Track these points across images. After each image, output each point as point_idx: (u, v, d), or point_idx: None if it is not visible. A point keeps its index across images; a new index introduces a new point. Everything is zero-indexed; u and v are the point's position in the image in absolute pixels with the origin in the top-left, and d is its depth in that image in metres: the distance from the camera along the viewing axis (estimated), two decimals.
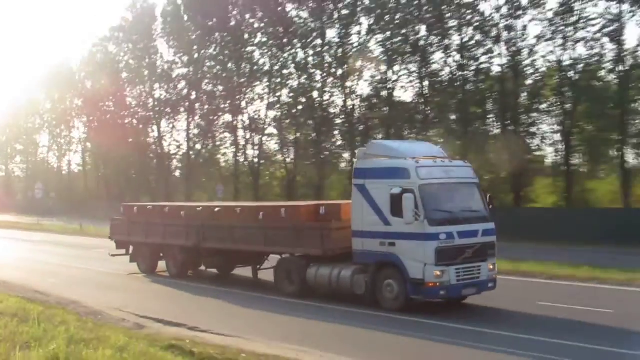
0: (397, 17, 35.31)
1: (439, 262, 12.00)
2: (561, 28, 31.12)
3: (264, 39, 42.97)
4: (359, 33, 38.01)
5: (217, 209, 16.94)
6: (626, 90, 30.12)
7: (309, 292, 14.20)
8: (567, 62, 31.39)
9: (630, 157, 31.13)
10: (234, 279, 17.60)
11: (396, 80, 36.61)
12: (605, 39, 30.45)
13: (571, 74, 31.45)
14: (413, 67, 35.71)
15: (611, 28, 30.10)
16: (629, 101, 30.41)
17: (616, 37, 30.15)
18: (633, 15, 30.08)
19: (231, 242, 15.92)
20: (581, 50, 31.37)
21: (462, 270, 12.23)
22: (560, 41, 31.22)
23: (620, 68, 30.45)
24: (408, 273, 12.39)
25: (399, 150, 13.66)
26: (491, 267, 12.79)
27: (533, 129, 32.88)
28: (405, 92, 36.95)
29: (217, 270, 18.08)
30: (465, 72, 34.01)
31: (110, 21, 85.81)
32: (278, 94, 43.16)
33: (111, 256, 19.13)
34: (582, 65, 31.19)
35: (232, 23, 44.74)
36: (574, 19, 30.87)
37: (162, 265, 18.30)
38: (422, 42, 34.94)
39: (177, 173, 53.91)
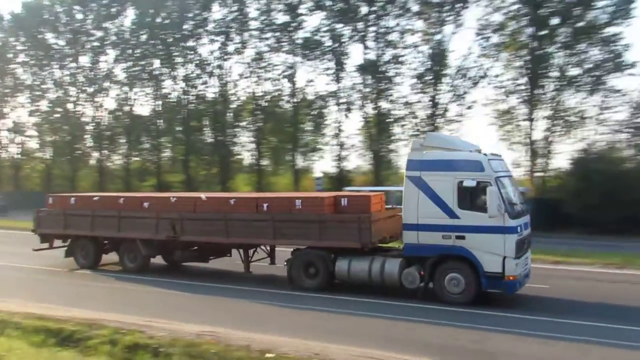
0: (137, 51, 45.87)
1: (517, 255, 12.13)
2: (255, 70, 43.78)
3: (26, 59, 50.94)
4: (106, 61, 48.06)
5: (204, 198, 15.85)
6: (297, 115, 43.45)
7: (329, 286, 13.93)
8: (259, 94, 42.89)
9: (299, 161, 44.48)
10: (207, 272, 17.01)
11: (136, 99, 47.30)
12: (284, 80, 43.86)
13: (261, 102, 43.25)
14: (149, 90, 46.61)
15: (288, 72, 43.17)
16: (298, 123, 43.59)
17: (291, 78, 43.81)
18: (302, 63, 44.14)
19: (223, 235, 14.96)
20: (269, 85, 42.95)
21: (522, 262, 12.54)
22: (254, 78, 43.39)
23: (294, 100, 44.00)
24: (482, 267, 12.27)
25: (457, 142, 13.68)
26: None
27: (236, 139, 44.15)
28: (142, 108, 47.96)
29: (179, 263, 17.48)
30: (188, 96, 45.27)
31: None
32: (38, 104, 51.26)
33: (34, 251, 18.06)
34: (269, 97, 43.25)
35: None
36: (264, 64, 43.68)
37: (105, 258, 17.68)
38: (156, 72, 45.88)
39: None
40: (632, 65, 33.24)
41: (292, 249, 14.93)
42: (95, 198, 17.83)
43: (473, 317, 11.63)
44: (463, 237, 12.49)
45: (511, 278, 12.18)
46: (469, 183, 12.49)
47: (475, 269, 12.44)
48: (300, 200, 14.43)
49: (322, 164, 44.85)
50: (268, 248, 16.15)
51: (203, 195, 16.24)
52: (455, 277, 12.70)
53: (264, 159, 44.71)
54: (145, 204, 16.68)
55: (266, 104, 43.67)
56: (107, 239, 17.52)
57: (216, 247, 16.40)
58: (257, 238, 15.01)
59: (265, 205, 14.82)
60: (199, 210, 15.71)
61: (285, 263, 14.72)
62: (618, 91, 33.74)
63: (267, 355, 8.32)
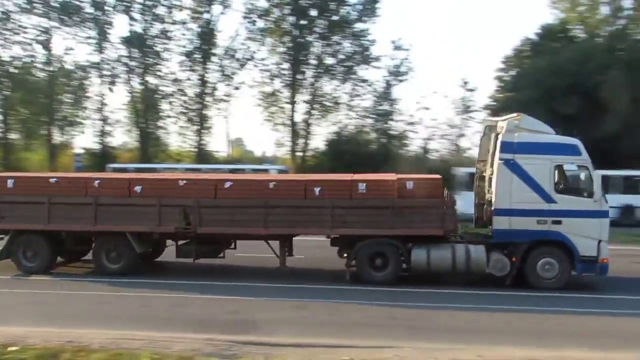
0: None
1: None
2: (1, 31, 39.46)
3: None
4: None
5: (227, 185, 13.16)
6: (53, 86, 40.28)
7: (400, 278, 12.69)
8: (6, 59, 38.95)
9: (56, 135, 41.80)
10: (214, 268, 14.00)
11: None
12: (38, 45, 40.31)
13: (9, 68, 39.34)
14: None
15: (42, 37, 39.90)
16: (55, 94, 40.59)
17: (46, 44, 40.17)
18: (59, 29, 40.74)
19: (261, 225, 12.72)
20: (18, 50, 39.18)
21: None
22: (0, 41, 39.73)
23: (50, 69, 40.66)
24: (578, 251, 12.18)
25: (546, 126, 13.04)
26: None
27: None
28: None
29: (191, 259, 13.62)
30: None
31: None
32: None
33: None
34: (18, 62, 39.50)
35: None
36: (12, 25, 39.61)
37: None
38: None
39: None
40: (377, 58, 38.08)
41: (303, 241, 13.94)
42: (53, 180, 13.74)
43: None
44: (560, 222, 12.27)
45: (605, 261, 12.18)
46: (569, 167, 12.57)
47: (571, 253, 12.32)
48: (364, 184, 12.82)
49: (83, 140, 42.50)
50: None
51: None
52: (549, 262, 12.42)
53: (12, 132, 40.55)
54: (137, 188, 13.25)
55: (15, 70, 39.72)
56: (73, 234, 13.89)
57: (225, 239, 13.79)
58: (307, 228, 13.08)
59: (317, 189, 12.85)
60: (222, 195, 13.08)
61: (346, 255, 13.00)
62: (365, 81, 38.39)
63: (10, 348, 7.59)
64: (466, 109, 35.92)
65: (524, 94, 31.66)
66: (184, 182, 13.37)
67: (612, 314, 10.48)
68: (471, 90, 36.24)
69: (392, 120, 36.86)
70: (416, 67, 62.66)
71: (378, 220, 12.62)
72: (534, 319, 10.07)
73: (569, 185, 12.92)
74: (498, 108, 34.40)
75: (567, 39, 35.59)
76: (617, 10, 37.98)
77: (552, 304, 11.04)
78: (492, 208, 12.61)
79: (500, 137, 12.66)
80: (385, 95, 37.76)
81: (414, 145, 37.86)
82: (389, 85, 37.84)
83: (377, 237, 12.70)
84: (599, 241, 12.17)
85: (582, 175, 12.61)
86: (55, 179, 13.66)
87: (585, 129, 29.67)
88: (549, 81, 30.65)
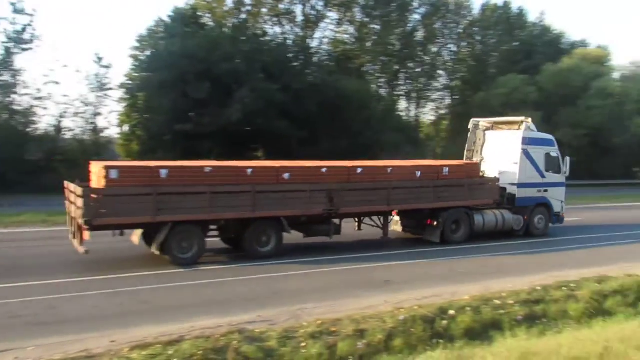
0: None
1: None
2: None
3: None
4: None
5: (359, 170, 15.51)
6: None
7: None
8: None
9: None
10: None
11: None
12: None
13: None
14: None
15: None
16: None
17: None
18: None
19: (385, 203, 15.76)
20: None
21: None
22: None
23: None
24: (553, 209, 19.02)
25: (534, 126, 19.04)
26: None
27: None
28: None
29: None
30: None
31: None
32: None
33: (86, 253, 12.37)
34: None
35: None
36: None
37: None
38: None
39: None
40: None
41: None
42: (207, 169, 13.51)
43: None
44: (547, 190, 18.98)
45: (563, 215, 19.50)
46: (554, 153, 19.07)
47: (550, 210, 19.12)
48: (447, 168, 16.94)
49: None
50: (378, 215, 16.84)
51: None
52: (541, 217, 19.00)
53: None
54: (285, 175, 14.42)
55: None
56: (226, 222, 13.96)
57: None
58: (417, 203, 16.39)
59: (418, 172, 16.47)
60: (353, 180, 15.44)
61: (436, 223, 16.81)
62: None
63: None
64: (102, 87, 34.61)
65: (159, 75, 32.29)
66: (325, 169, 15.08)
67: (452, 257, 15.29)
68: (106, 67, 34.90)
69: (15, 93, 33.14)
70: (43, 35, 57.12)
71: (457, 195, 16.98)
72: (181, 293, 10.70)
73: (552, 165, 19.08)
74: (135, 88, 34.37)
75: (198, 25, 37.48)
76: (239, 4, 41.84)
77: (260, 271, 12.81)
78: (516, 182, 18.40)
79: (521, 134, 18.50)
80: (5, 65, 33.63)
81: (45, 122, 34.96)
82: (9, 53, 33.79)
83: (457, 207, 17.05)
84: (561, 202, 19.36)
85: (556, 159, 19.16)
86: (210, 168, 13.63)
87: (216, 114, 32.23)
88: (182, 65, 31.86)
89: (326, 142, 36.78)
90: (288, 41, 41.71)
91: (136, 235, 13.78)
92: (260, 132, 35.23)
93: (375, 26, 47.53)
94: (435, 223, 16.87)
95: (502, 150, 18.85)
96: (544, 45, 53.30)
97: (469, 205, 17.32)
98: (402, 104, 51.32)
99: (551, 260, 14.91)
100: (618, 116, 43.00)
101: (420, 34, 50.74)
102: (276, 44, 39.48)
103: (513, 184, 18.48)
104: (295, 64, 39.30)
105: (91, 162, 14.03)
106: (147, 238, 13.54)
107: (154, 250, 13.09)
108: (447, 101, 54.10)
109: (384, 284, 11.59)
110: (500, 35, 53.58)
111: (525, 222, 18.65)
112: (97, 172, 12.76)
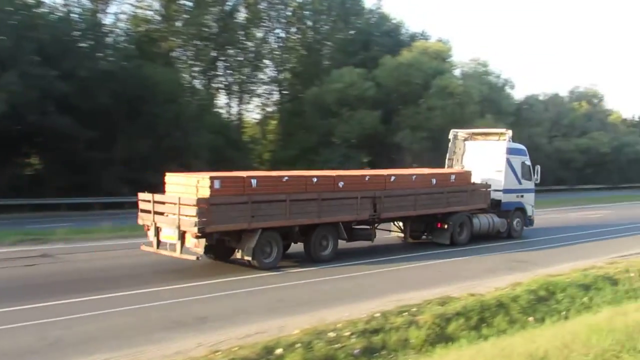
0: None
1: None
2: None
3: None
4: None
5: (392, 179, 19.62)
6: None
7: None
8: None
9: None
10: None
11: None
12: None
13: None
14: None
15: None
16: None
17: None
18: None
19: (412, 208, 19.89)
20: None
21: None
22: None
23: None
24: (527, 212, 24.38)
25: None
26: None
27: None
28: None
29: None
30: None
31: None
32: None
33: (198, 259, 16.00)
34: None
35: None
36: None
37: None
38: None
39: None
40: None
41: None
42: (285, 178, 17.18)
43: None
44: (523, 196, 24.01)
45: (533, 218, 24.62)
46: (527, 162, 24.19)
47: (525, 214, 24.13)
48: (454, 175, 21.75)
49: None
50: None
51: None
52: (518, 220, 23.88)
53: None
54: (340, 184, 17.89)
55: None
56: (300, 227, 17.39)
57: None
58: (435, 208, 20.70)
59: (434, 180, 20.82)
60: (389, 187, 19.29)
61: (447, 226, 21.11)
62: None
63: None
64: None
65: None
66: (368, 177, 19.21)
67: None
68: None
69: None
70: None
71: (461, 200, 21.31)
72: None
73: (526, 173, 24.04)
74: None
75: None
76: None
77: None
78: (502, 189, 23.10)
79: (505, 144, 23.45)
80: None
81: None
82: None
83: (462, 212, 21.44)
84: (532, 206, 24.46)
85: (528, 167, 24.12)
86: (286, 177, 17.09)
87: None
88: None
89: (124, 144, 34.67)
90: (73, 15, 38.63)
91: (198, 246, 15.76)
92: (35, 131, 32.35)
93: (187, 2, 46.05)
94: (446, 226, 21.25)
95: (484, 159, 23.79)
96: (383, 36, 55.46)
97: (470, 209, 21.93)
98: (221, 99, 50.36)
99: (401, 281, 15.52)
100: (460, 118, 45.48)
101: (242, 15, 50.09)
102: (56, 18, 36.66)
103: (498, 190, 23.34)
104: (83, 44, 37.01)
105: (166, 172, 16.84)
106: (215, 248, 16.50)
107: (243, 256, 16.00)
108: (275, 97, 54.13)
109: (199, 322, 11.32)
110: (334, 22, 54.79)
111: (508, 225, 23.59)
112: (197, 183, 15.41)
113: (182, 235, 15.24)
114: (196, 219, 14.74)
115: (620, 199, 50.15)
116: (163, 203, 15.87)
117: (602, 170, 70.49)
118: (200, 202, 14.84)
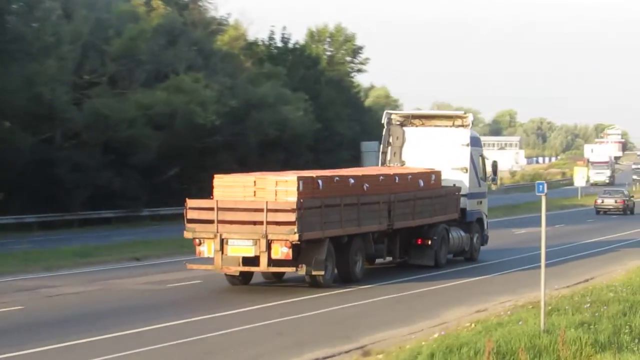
0: None
1: None
2: None
3: None
4: None
5: (410, 177, 17.12)
6: None
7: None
8: None
9: None
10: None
11: None
12: None
13: None
14: None
15: None
16: None
17: None
18: None
19: (412, 217, 17.10)
20: None
21: None
22: None
23: None
24: (484, 226, 20.30)
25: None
26: None
27: None
28: None
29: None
30: None
31: None
32: None
33: (297, 269, 14.38)
34: None
35: None
36: None
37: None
38: None
39: None
40: None
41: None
42: (352, 180, 15.82)
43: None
44: (481, 202, 18.83)
45: (487, 234, 20.39)
46: (484, 156, 18.31)
47: (483, 227, 19.26)
48: (434, 175, 18.14)
49: None
50: None
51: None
52: (478, 236, 18.84)
53: None
54: (365, 186, 15.83)
55: None
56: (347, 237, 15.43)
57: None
58: (421, 218, 17.68)
59: (421, 182, 17.69)
60: (405, 189, 16.92)
61: (430, 242, 17.32)
62: None
63: None
64: None
65: None
66: (382, 177, 16.81)
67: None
68: None
69: None
70: None
71: (441, 207, 18.04)
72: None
73: (483, 171, 19.79)
74: None
75: None
76: None
77: None
78: (467, 193, 18.74)
79: (467, 132, 18.79)
80: None
81: None
82: None
83: (440, 223, 18.33)
84: (486, 216, 20.80)
85: (482, 163, 19.58)
86: (352, 180, 15.40)
87: None
88: None
89: None
90: None
91: (288, 257, 14.10)
92: None
93: None
94: (429, 242, 17.07)
95: (435, 153, 18.33)
96: None
97: (447, 219, 17.73)
98: None
99: None
100: None
101: None
102: None
103: (462, 195, 18.03)
104: None
105: (215, 175, 15.18)
106: (252, 262, 14.50)
107: (309, 272, 14.21)
108: None
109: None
110: None
111: (470, 242, 18.35)
112: (275, 185, 14.20)
113: (268, 246, 13.58)
114: (295, 226, 13.21)
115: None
116: (238, 210, 13.98)
117: None
118: (299, 205, 13.36)
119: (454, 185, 18.37)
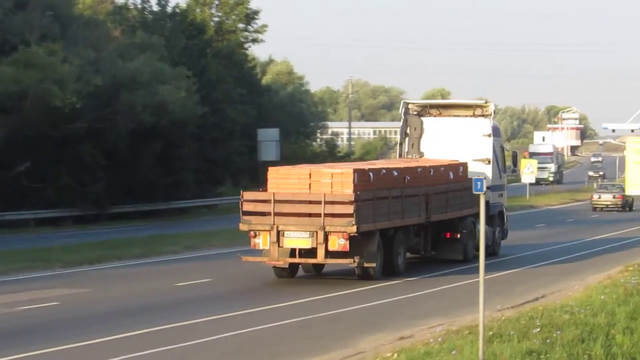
0: None
1: None
2: None
3: None
4: None
5: (443, 169, 17.52)
6: None
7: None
8: None
9: None
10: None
11: None
12: None
13: None
14: None
15: None
16: None
17: None
18: None
19: (445, 210, 17.40)
20: None
21: None
22: None
23: None
24: (505, 219, 20.54)
25: None
26: None
27: None
28: None
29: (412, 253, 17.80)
30: None
31: None
32: None
33: (354, 261, 15.19)
34: None
35: None
36: None
37: None
38: None
39: None
40: None
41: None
42: (396, 172, 16.36)
43: None
44: (502, 195, 19.17)
45: (508, 228, 20.83)
46: (505, 147, 18.67)
47: (503, 221, 19.25)
48: (462, 167, 18.94)
49: None
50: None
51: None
52: (499, 230, 18.93)
53: None
54: (407, 178, 16.38)
55: None
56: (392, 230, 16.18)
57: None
58: (452, 211, 18.16)
59: (451, 174, 18.33)
60: (439, 182, 17.41)
61: (459, 236, 18.04)
62: None
63: None
64: None
65: None
66: (420, 169, 17.61)
67: None
68: None
69: None
70: None
71: (467, 201, 18.13)
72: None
73: (503, 162, 19.47)
74: None
75: None
76: None
77: None
78: (489, 185, 17.50)
79: (489, 123, 18.25)
80: None
81: None
82: None
83: (468, 216, 19.26)
84: (506, 209, 19.96)
85: (503, 153, 19.37)
86: (396, 172, 16.19)
87: None
88: None
89: None
90: None
91: (345, 248, 14.67)
92: None
93: None
94: (458, 236, 17.79)
95: (455, 143, 18.57)
96: None
97: (474, 213, 17.41)
98: None
99: None
100: None
101: None
102: None
103: None
104: None
105: (270, 167, 16.11)
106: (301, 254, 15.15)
107: (361, 264, 14.66)
108: None
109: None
110: None
111: (492, 236, 18.74)
112: (331, 178, 14.69)
113: (325, 238, 14.53)
114: (352, 218, 14.24)
115: None
116: (295, 202, 14.99)
117: None
118: (356, 197, 14.41)
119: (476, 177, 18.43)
